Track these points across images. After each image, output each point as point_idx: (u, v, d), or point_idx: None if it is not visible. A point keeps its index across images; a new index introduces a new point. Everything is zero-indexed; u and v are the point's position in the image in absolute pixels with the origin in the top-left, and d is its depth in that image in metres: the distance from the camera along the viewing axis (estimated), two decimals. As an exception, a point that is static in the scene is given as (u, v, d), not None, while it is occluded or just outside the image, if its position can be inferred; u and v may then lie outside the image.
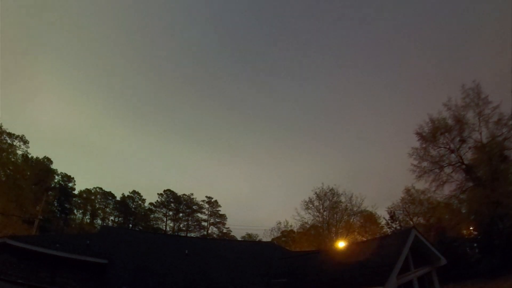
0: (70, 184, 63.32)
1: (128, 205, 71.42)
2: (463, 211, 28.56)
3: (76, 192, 64.13)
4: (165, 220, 75.36)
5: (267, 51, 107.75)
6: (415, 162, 30.42)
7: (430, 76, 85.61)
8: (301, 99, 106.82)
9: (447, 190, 29.03)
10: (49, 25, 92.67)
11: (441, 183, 29.20)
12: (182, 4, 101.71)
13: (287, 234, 54.67)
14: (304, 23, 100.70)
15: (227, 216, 78.06)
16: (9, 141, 39.01)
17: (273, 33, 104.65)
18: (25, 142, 42.65)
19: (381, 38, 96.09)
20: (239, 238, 67.38)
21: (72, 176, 63.59)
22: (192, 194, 77.40)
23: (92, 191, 66.98)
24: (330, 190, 40.63)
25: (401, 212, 38.95)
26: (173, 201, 75.95)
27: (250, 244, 34.06)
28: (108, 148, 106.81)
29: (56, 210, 59.41)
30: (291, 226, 50.35)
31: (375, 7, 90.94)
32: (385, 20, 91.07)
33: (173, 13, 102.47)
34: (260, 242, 44.89)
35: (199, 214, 77.69)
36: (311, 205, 41.12)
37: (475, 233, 28.36)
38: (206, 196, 78.14)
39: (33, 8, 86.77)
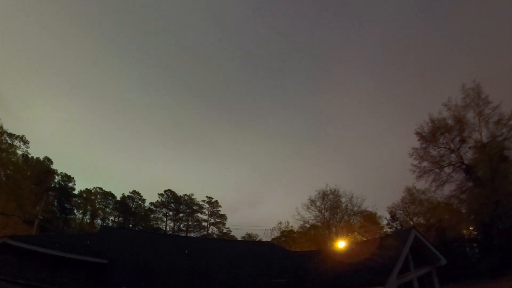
0: (70, 184, 63.28)
1: (128, 205, 71.38)
2: (463, 211, 28.57)
3: (76, 192, 64.12)
4: (165, 220, 75.37)
5: (265, 52, 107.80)
6: (415, 162, 30.47)
7: (430, 76, 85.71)
8: (301, 99, 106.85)
9: (447, 190, 29.09)
10: (50, 25, 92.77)
11: (441, 183, 29.24)
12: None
13: (287, 234, 54.70)
14: (300, 21, 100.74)
15: (227, 216, 78.17)
16: (9, 141, 39.08)
17: (272, 34, 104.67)
18: (25, 142, 42.77)
19: (381, 38, 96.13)
20: (239, 238, 67.41)
21: (72, 176, 63.60)
22: (192, 194, 77.44)
23: (92, 191, 66.95)
24: (332, 191, 40.73)
25: (401, 212, 38.99)
26: (173, 201, 75.90)
27: (250, 244, 34.05)
28: (108, 148, 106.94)
29: (56, 210, 59.37)
30: (291, 226, 50.47)
31: (375, 7, 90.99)
32: (385, 20, 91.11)
33: (170, 17, 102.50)
34: (260, 242, 44.89)
35: (199, 214, 77.71)
36: (313, 205, 41.23)
37: (475, 233, 28.37)
38: (207, 196, 78.19)
39: (34, 9, 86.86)
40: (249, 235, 67.72)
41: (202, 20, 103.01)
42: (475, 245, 28.37)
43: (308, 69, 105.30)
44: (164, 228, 73.00)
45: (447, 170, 29.44)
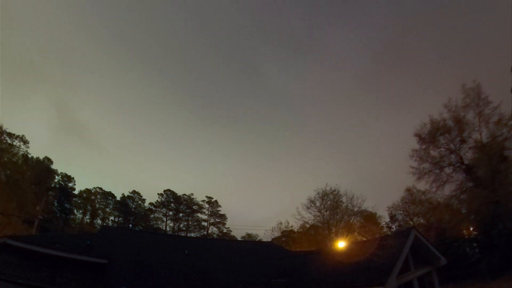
0: (70, 184, 63.29)
1: (128, 205, 71.34)
2: (463, 211, 28.50)
3: (76, 192, 64.15)
4: (165, 220, 75.33)
5: (266, 50, 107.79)
6: (415, 164, 30.42)
7: (430, 76, 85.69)
8: (302, 100, 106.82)
9: (447, 190, 29.01)
10: (49, 25, 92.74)
11: (442, 183, 29.15)
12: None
13: (287, 234, 54.67)
14: (301, 23, 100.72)
15: (227, 216, 78.13)
16: (9, 141, 39.07)
17: (273, 35, 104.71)
18: (25, 142, 42.73)
19: (381, 37, 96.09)
20: (239, 238, 67.38)
21: (72, 176, 63.62)
22: (192, 194, 77.41)
23: (92, 191, 66.92)
24: (332, 191, 40.66)
25: (401, 212, 38.95)
26: (173, 201, 75.86)
27: (250, 244, 34.06)
28: (108, 148, 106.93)
29: (56, 210, 59.40)
30: (291, 226, 50.43)
31: (375, 7, 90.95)
32: (385, 19, 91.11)
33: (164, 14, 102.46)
34: (260, 242, 44.89)
35: (199, 214, 77.65)
36: (312, 205, 41.18)
37: (475, 233, 28.32)
38: (206, 196, 78.16)
39: (32, 7, 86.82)
40: (249, 235, 67.72)
41: (197, 22, 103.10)
42: (475, 245, 28.30)
43: (307, 70, 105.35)
44: (164, 228, 72.99)
45: (447, 170, 29.38)
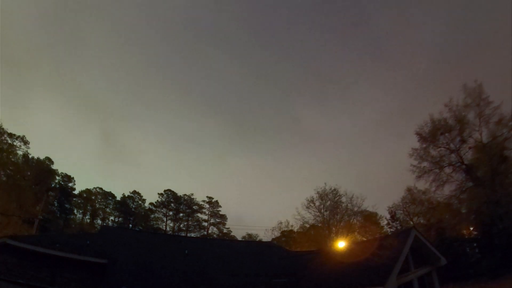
0: (70, 184, 63.22)
1: (128, 205, 71.30)
2: (463, 211, 28.48)
3: (76, 192, 64.08)
4: (165, 220, 75.28)
5: (266, 56, 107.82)
6: (415, 162, 30.38)
7: (431, 76, 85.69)
8: (302, 100, 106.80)
9: (447, 190, 28.97)
10: (49, 23, 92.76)
11: (441, 183, 29.12)
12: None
13: (287, 234, 54.62)
14: (300, 25, 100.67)
15: (227, 216, 78.08)
16: (9, 141, 39.07)
17: (271, 38, 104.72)
18: (26, 142, 42.73)
19: (381, 39, 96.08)
20: (239, 238, 67.33)
21: (72, 176, 63.57)
22: (192, 194, 77.34)
23: (92, 191, 66.90)
24: (332, 191, 40.58)
25: (402, 212, 38.90)
26: (173, 201, 75.81)
27: (250, 244, 34.07)
28: (108, 147, 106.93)
29: (56, 210, 59.33)
30: (292, 226, 50.36)
31: (375, 7, 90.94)
32: (385, 21, 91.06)
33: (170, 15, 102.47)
34: (260, 242, 44.88)
35: (199, 214, 77.58)
36: (312, 205, 41.08)
37: (475, 233, 28.31)
38: (207, 196, 78.08)
39: (29, 6, 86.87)
40: (249, 235, 67.67)
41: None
42: (475, 245, 28.27)
43: (308, 71, 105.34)
44: (164, 228, 72.93)
45: (447, 170, 29.35)
